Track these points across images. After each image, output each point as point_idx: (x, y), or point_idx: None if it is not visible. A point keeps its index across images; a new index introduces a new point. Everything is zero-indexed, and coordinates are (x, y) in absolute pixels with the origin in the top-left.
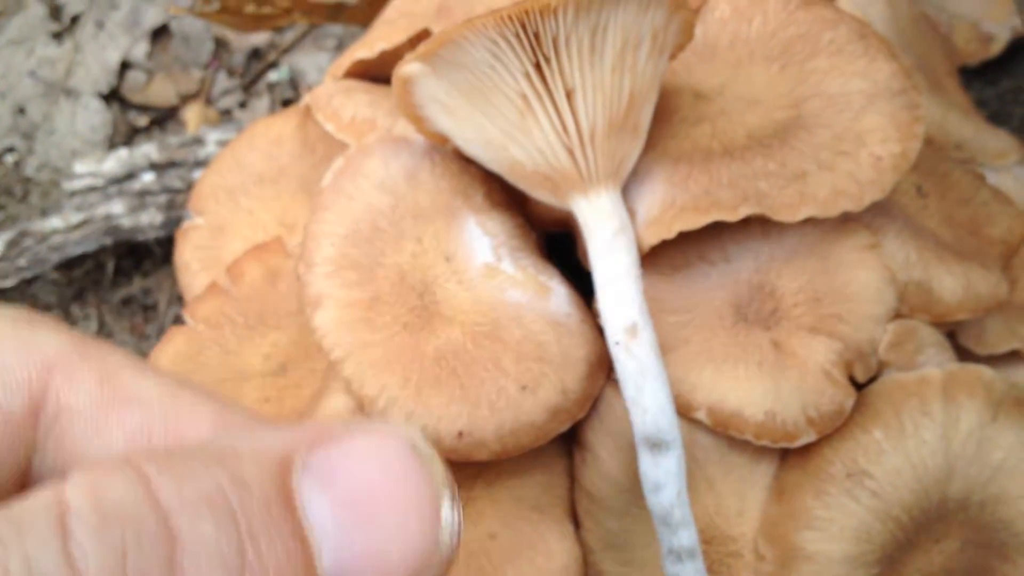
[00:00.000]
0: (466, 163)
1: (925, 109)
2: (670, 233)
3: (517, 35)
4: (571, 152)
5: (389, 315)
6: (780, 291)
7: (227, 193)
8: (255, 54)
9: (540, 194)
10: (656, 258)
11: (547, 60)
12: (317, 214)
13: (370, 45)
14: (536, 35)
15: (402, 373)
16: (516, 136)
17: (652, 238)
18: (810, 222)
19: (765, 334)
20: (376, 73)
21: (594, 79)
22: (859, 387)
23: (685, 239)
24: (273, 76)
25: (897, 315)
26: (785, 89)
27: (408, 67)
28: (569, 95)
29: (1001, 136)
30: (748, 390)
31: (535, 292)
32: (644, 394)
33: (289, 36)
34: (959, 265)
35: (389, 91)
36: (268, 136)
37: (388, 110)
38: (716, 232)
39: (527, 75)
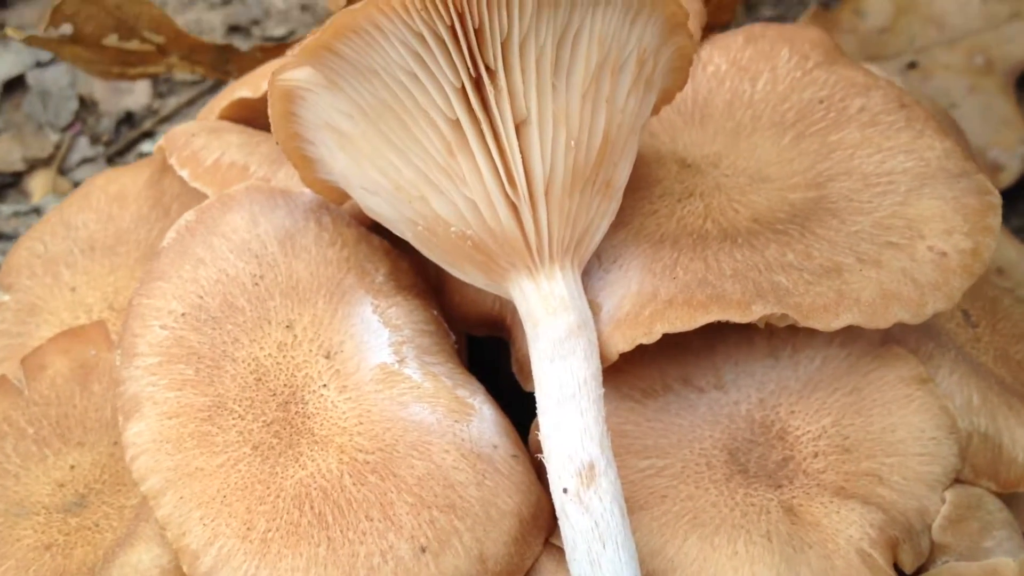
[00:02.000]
0: (367, 232)
1: (998, 197)
2: (650, 336)
3: (452, 29)
4: (516, 210)
5: (235, 431)
6: (794, 434)
7: (46, 264)
8: (127, 119)
9: (466, 271)
10: (622, 378)
11: (491, 73)
12: (148, 284)
13: (255, 83)
14: (478, 32)
15: (244, 516)
16: (439, 181)
17: (623, 342)
18: (836, 341)
19: (773, 494)
20: (263, 122)
21: (556, 107)
22: None
23: (663, 355)
24: (147, 147)
25: (955, 479)
26: (803, 165)
27: (291, 74)
28: (519, 127)
29: None
30: (751, 574)
31: (449, 410)
32: (602, 571)
33: (172, 101)
34: None
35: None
36: (108, 192)
37: (267, 155)
38: (707, 348)
39: (462, 92)
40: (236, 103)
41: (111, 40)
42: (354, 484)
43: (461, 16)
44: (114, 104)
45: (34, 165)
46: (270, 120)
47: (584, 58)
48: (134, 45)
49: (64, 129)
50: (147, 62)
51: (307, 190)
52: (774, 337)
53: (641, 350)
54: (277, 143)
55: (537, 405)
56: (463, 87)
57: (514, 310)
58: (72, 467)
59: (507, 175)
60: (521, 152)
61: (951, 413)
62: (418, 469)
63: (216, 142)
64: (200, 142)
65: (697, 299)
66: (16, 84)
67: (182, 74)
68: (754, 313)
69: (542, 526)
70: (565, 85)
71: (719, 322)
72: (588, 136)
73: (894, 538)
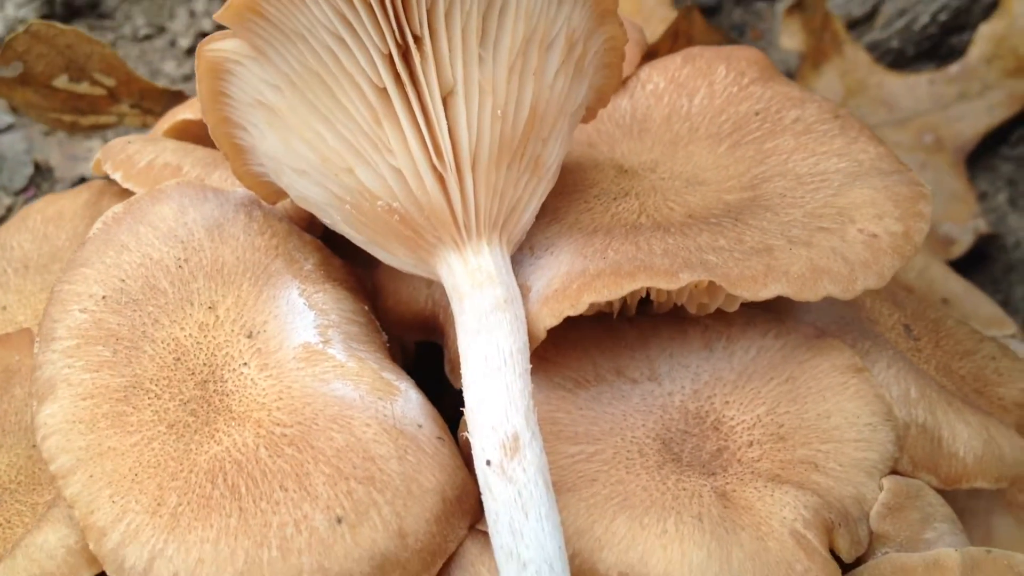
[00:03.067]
0: (299, 228)
1: (929, 189)
2: (576, 307)
3: None
4: (442, 181)
5: (150, 410)
6: (728, 424)
7: None
8: (83, 183)
9: (395, 250)
10: (554, 368)
11: (418, 41)
12: (70, 271)
13: (197, 106)
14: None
15: (155, 493)
16: (366, 151)
17: (550, 316)
18: (771, 332)
19: (706, 480)
20: (204, 144)
21: (483, 77)
22: (844, 568)
23: (596, 347)
24: None
25: (893, 470)
26: (738, 170)
27: (218, 44)
28: (446, 98)
29: (993, 305)
30: (681, 553)
31: (373, 388)
32: (524, 541)
33: None
34: (975, 415)
35: (213, 150)
36: (46, 214)
37: (201, 158)
38: (640, 340)
39: (389, 59)
40: (178, 125)
41: (61, 81)
42: (270, 456)
43: None
44: (69, 170)
45: None
46: (199, 101)
47: (511, 30)
48: (84, 88)
49: (18, 193)
50: (98, 109)
51: (240, 188)
52: (709, 329)
53: (574, 341)
54: (206, 118)
55: (462, 380)
56: (390, 54)
57: (446, 307)
58: None
59: (433, 145)
60: (448, 122)
61: (887, 401)
62: (337, 441)
63: (151, 147)
64: (135, 147)
65: (625, 269)
66: None
67: (135, 126)
68: (681, 280)
69: (467, 510)
70: (492, 56)
71: (653, 315)
72: (515, 108)
73: (830, 522)
